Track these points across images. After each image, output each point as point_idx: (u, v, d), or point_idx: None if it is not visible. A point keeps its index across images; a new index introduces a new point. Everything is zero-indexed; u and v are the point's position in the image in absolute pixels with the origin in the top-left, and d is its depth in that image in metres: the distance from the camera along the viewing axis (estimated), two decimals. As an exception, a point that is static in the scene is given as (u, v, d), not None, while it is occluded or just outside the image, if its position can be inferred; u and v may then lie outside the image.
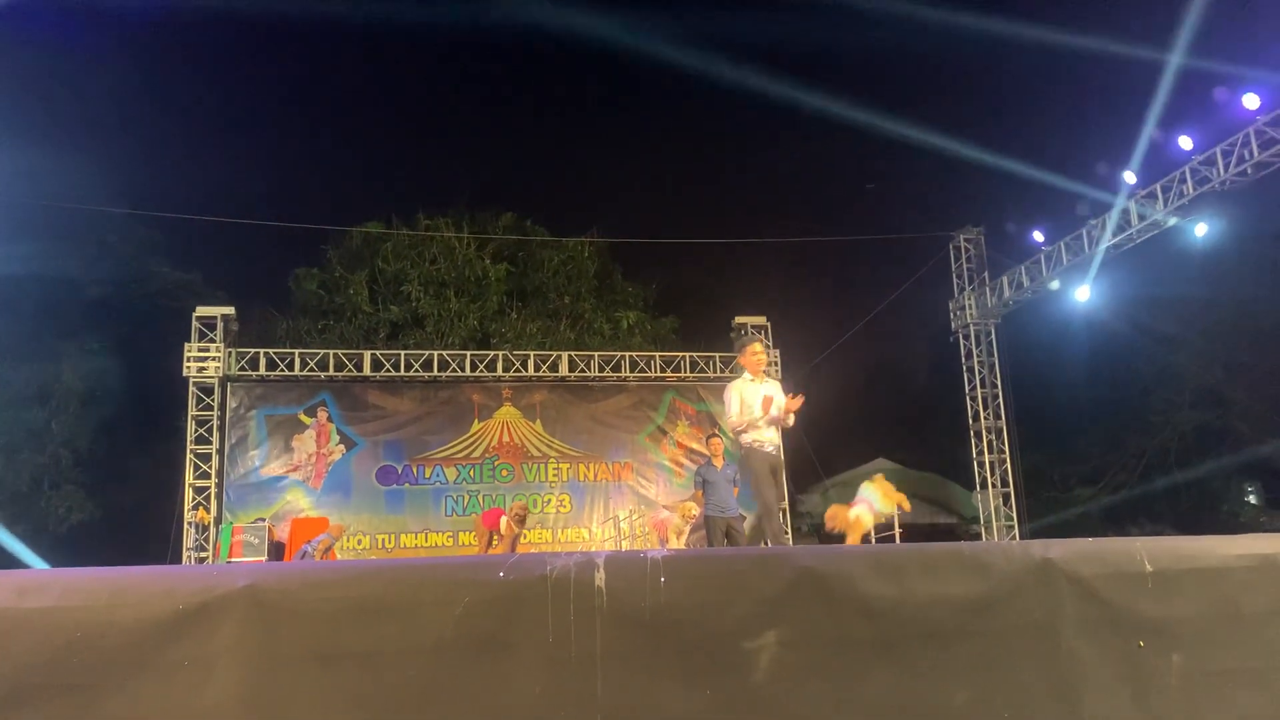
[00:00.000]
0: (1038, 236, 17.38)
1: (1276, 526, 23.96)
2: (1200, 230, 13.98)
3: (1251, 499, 27.88)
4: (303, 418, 17.84)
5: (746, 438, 7.36)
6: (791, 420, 7.59)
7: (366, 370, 18.16)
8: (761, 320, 19.85)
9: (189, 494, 16.91)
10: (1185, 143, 14.12)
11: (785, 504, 8.11)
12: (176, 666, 3.07)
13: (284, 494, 17.41)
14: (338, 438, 17.90)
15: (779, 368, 19.52)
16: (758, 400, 7.28)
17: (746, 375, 7.59)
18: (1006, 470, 18.80)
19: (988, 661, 3.63)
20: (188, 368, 17.20)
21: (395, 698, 3.17)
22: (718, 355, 19.70)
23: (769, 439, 7.45)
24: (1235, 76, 13.23)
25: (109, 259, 21.20)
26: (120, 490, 20.39)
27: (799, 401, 7.35)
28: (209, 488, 16.99)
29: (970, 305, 19.21)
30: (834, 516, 7.42)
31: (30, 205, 17.15)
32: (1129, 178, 15.11)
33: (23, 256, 18.06)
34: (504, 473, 18.41)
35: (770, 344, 19.62)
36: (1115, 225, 15.57)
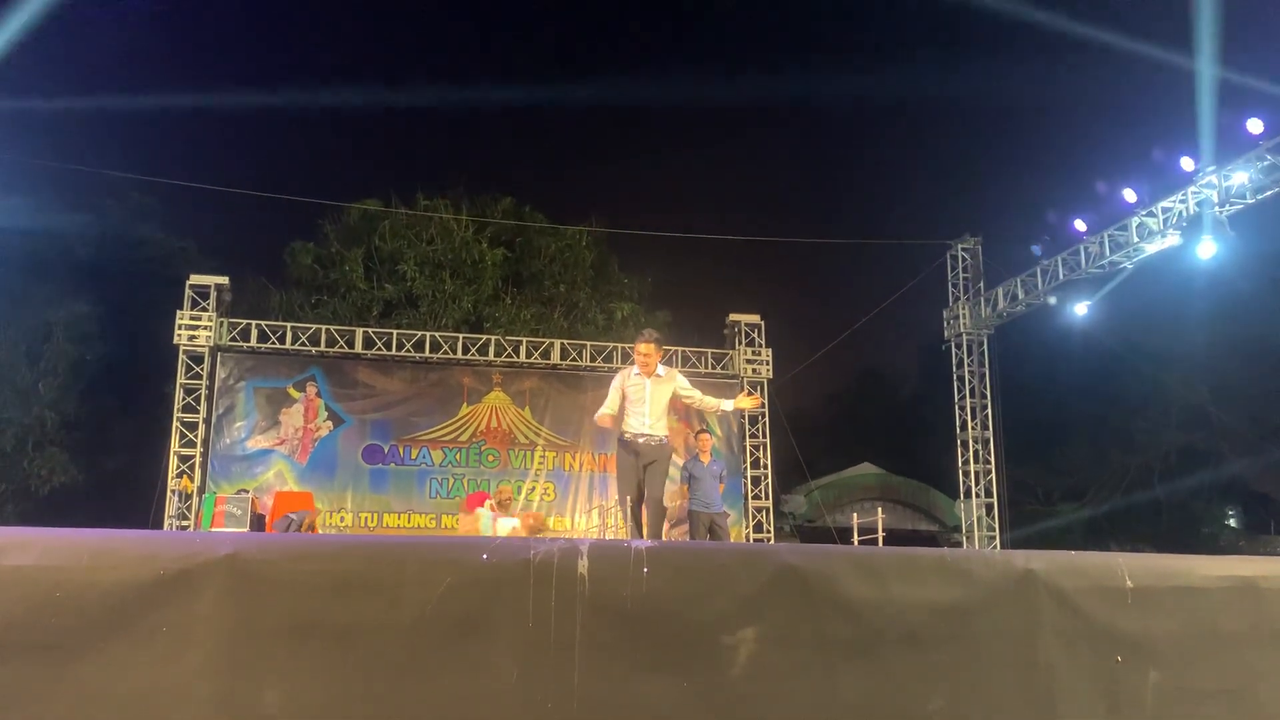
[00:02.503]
0: (1035, 250, 17.40)
1: (1255, 550, 24.10)
2: (1206, 251, 13.91)
3: (1231, 522, 28.06)
4: (291, 391, 17.77)
5: (629, 429, 7.15)
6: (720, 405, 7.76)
7: (358, 347, 18.09)
8: (755, 318, 19.84)
9: (173, 462, 16.82)
10: (1187, 164, 14.14)
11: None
12: (154, 631, 3.06)
13: (269, 467, 17.33)
14: (326, 414, 17.84)
15: (770, 366, 19.53)
16: (646, 396, 7.12)
17: (635, 370, 7.33)
18: (991, 481, 18.84)
19: (965, 668, 3.64)
20: (178, 335, 17.10)
21: (371, 674, 3.16)
22: (710, 351, 19.70)
23: (648, 431, 7.16)
24: (1240, 100, 13.26)
25: (103, 222, 21.08)
26: (104, 455, 20.30)
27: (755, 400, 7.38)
28: (194, 457, 16.90)
29: (964, 315, 19.23)
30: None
31: (25, 164, 17.04)
32: (1129, 196, 15.14)
33: (16, 215, 17.94)
34: (490, 458, 18.36)
35: (763, 343, 19.64)
36: (1113, 243, 15.61)
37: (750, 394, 7.50)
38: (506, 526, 8.05)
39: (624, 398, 7.25)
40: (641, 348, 7.36)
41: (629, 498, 7.25)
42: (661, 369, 7.39)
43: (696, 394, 7.58)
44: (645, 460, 7.14)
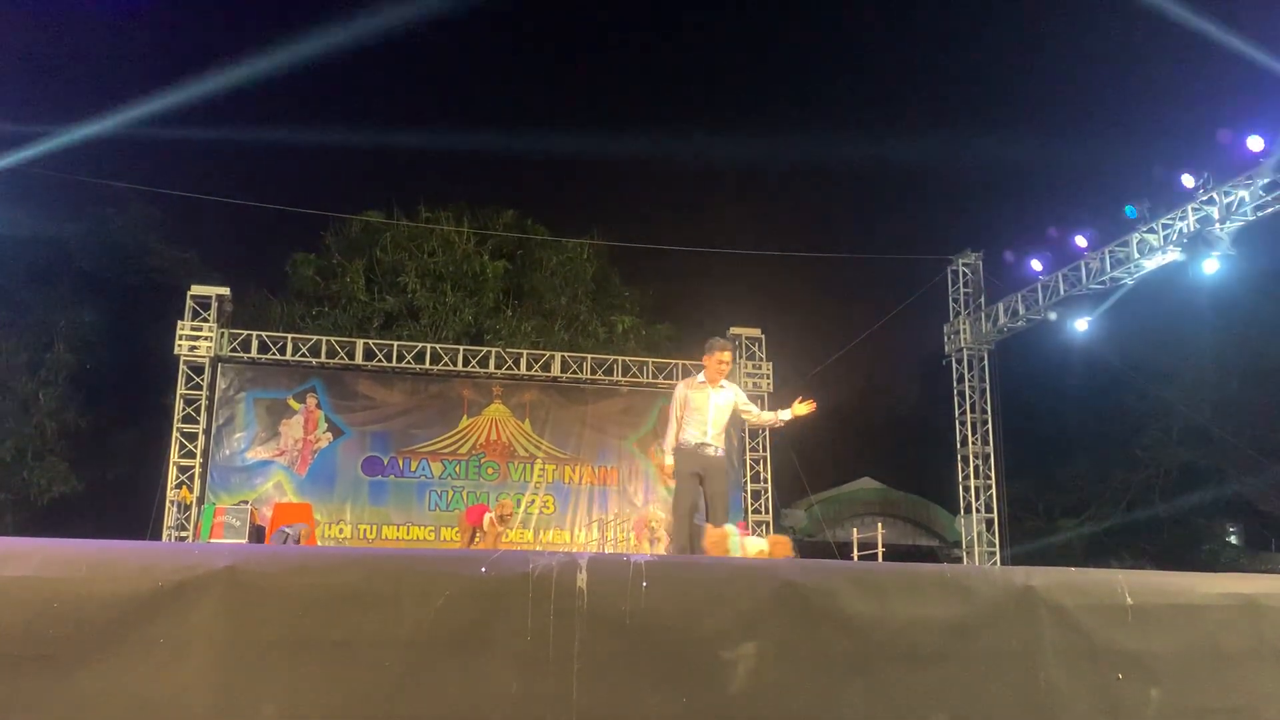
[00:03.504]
0: (1036, 266, 17.40)
1: (1256, 568, 24.04)
2: (1209, 267, 13.91)
3: (1233, 539, 27.97)
4: (292, 403, 17.77)
5: (688, 439, 7.07)
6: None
7: (359, 359, 18.11)
8: (756, 332, 19.85)
9: (173, 472, 16.80)
10: (1188, 180, 14.16)
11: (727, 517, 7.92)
12: (151, 644, 3.05)
13: (268, 478, 17.32)
14: (325, 425, 17.83)
15: (770, 380, 19.54)
16: (709, 407, 7.05)
17: (700, 377, 7.27)
18: (991, 496, 18.79)
19: (965, 685, 3.63)
20: (179, 346, 17.10)
21: (368, 688, 3.15)
22: (711, 365, 19.69)
23: (709, 441, 7.11)
24: (1241, 117, 13.28)
25: (105, 232, 21.12)
26: (103, 465, 20.29)
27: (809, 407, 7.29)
28: (193, 467, 16.89)
29: (965, 330, 19.22)
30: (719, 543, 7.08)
31: (28, 173, 17.08)
32: (1130, 212, 15.15)
33: (19, 224, 17.98)
34: (490, 470, 18.34)
35: (764, 356, 19.64)
36: (1114, 259, 15.63)
37: (804, 400, 7.34)
38: (754, 547, 7.68)
39: (684, 405, 7.15)
40: (722, 355, 7.21)
41: (682, 509, 7.11)
42: (724, 381, 7.29)
43: (754, 408, 7.50)
44: (707, 475, 7.02)
